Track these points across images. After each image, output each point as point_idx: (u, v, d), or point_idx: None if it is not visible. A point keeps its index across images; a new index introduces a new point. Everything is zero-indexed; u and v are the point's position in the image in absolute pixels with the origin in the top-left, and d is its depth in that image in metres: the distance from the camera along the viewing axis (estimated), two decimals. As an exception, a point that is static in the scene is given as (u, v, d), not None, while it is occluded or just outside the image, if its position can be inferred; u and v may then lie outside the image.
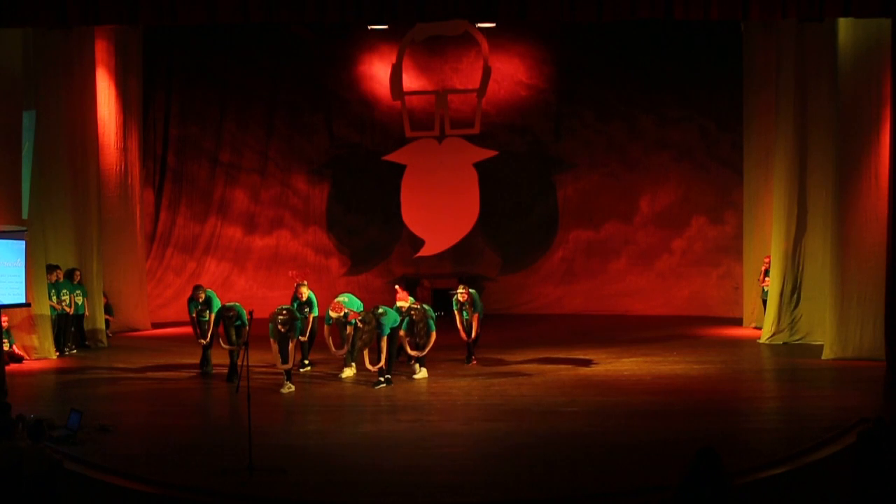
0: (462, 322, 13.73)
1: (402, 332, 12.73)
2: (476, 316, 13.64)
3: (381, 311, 12.34)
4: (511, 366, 13.63)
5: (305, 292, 13.31)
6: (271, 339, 12.18)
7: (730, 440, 9.67)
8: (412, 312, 12.75)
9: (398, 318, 12.58)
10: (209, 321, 13.21)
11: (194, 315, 13.34)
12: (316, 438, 10.08)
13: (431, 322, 12.80)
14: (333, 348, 12.81)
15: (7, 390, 11.64)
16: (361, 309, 12.87)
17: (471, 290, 13.72)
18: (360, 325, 12.27)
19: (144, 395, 12.46)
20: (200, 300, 13.24)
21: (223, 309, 12.95)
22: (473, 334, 13.71)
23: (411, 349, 12.86)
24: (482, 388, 12.31)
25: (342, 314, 12.48)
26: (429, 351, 12.90)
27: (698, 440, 9.61)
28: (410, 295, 14.21)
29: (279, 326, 12.03)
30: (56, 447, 9.07)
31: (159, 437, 10.31)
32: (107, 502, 8.67)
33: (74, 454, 9.22)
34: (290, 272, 15.63)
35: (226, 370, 12.92)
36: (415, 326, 12.76)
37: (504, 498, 8.30)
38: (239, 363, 12.42)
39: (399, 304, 13.38)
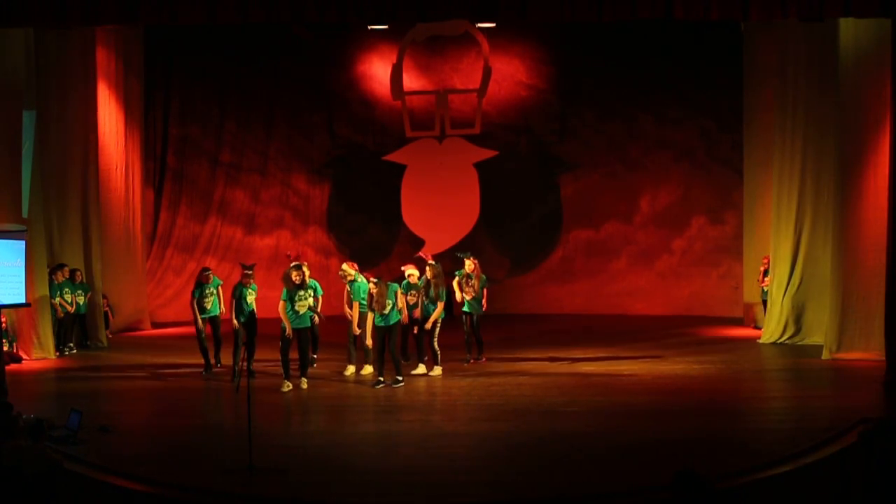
0: (462, 297, 13.71)
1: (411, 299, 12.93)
2: (485, 291, 13.73)
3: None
4: (511, 366, 13.63)
5: (299, 276, 12.29)
6: (282, 302, 12.13)
7: (730, 440, 9.68)
8: (432, 278, 12.86)
9: (398, 317, 12.55)
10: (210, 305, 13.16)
11: (196, 298, 13.13)
12: (316, 438, 10.08)
13: (443, 291, 12.92)
14: (357, 327, 12.86)
15: (7, 390, 11.65)
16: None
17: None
18: (372, 289, 12.28)
19: (144, 395, 12.46)
20: (207, 282, 13.17)
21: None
22: (485, 306, 13.74)
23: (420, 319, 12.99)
24: (482, 388, 12.31)
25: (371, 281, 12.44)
26: (437, 334, 12.99)
27: (698, 440, 9.65)
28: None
29: (293, 275, 11.99)
30: (56, 447, 9.06)
31: (159, 437, 10.32)
32: (107, 502, 8.67)
33: (74, 454, 9.22)
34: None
35: (226, 370, 12.93)
36: (430, 287, 12.89)
37: (504, 498, 8.30)
38: (239, 363, 12.41)
39: (409, 271, 13.21)
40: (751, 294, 16.93)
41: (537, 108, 19.54)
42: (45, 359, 14.32)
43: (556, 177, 19.57)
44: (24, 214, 14.01)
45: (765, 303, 15.88)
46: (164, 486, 8.59)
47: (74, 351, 15.11)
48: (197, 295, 13.09)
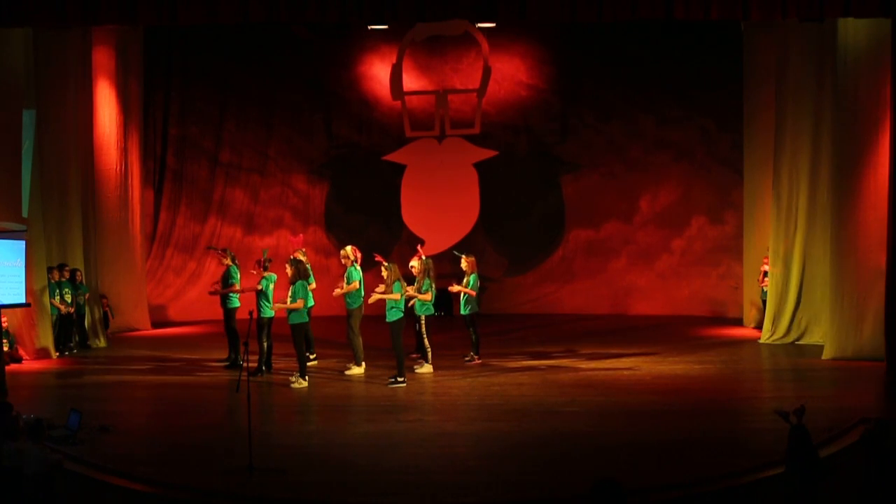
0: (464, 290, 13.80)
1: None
2: (472, 292, 13.75)
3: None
4: (511, 365, 13.64)
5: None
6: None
7: (730, 440, 9.68)
8: (419, 272, 13.08)
9: (399, 315, 12.56)
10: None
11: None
12: (316, 438, 10.09)
13: (427, 282, 13.01)
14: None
15: (7, 390, 11.66)
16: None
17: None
18: (384, 269, 12.64)
19: (144, 395, 12.47)
20: (224, 260, 13.65)
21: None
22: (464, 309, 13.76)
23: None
24: (482, 388, 12.31)
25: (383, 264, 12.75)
26: (426, 331, 13.03)
27: (698, 440, 9.66)
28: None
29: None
30: (56, 447, 9.07)
31: (159, 437, 10.33)
32: (107, 502, 8.67)
33: (74, 454, 9.23)
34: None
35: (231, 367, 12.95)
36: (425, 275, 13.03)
37: (504, 498, 8.30)
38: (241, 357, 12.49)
39: (412, 263, 13.38)
40: (751, 294, 16.92)
41: (537, 108, 19.54)
42: (45, 359, 14.32)
43: (556, 177, 19.56)
44: (24, 214, 14.00)
45: (765, 303, 15.87)
46: (164, 486, 8.59)
47: (75, 351, 15.11)
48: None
